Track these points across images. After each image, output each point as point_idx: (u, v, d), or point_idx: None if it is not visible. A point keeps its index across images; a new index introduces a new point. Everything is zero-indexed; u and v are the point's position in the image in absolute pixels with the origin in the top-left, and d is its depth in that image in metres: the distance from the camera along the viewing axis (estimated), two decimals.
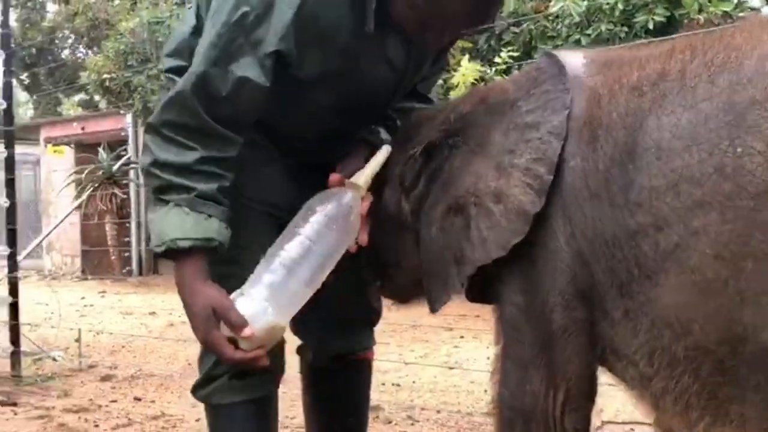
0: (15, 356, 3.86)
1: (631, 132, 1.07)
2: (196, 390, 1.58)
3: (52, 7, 15.48)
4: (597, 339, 1.14)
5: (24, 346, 3.93)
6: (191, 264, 1.37)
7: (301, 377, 1.86)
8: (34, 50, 15.13)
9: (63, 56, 15.85)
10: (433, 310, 1.37)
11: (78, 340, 4.22)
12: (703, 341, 1.00)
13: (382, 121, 1.65)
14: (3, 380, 3.76)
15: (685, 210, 0.99)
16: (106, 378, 3.89)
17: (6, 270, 3.94)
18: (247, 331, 1.30)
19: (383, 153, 1.46)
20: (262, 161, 1.58)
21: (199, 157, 1.37)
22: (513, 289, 1.22)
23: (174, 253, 1.36)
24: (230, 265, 1.42)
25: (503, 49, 6.01)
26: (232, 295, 1.34)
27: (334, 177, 1.49)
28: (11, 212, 3.86)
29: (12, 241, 3.89)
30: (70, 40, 15.55)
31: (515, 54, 5.86)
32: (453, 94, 5.21)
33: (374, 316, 1.80)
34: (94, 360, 4.24)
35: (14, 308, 3.87)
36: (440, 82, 6.43)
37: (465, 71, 5.51)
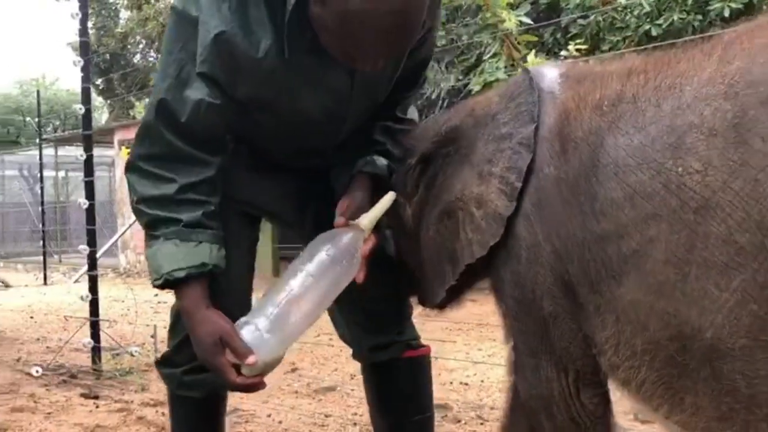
0: (95, 351, 4.02)
1: (594, 149, 1.18)
2: (158, 364, 1.73)
3: (124, 14, 16.04)
4: (580, 327, 1.24)
5: (103, 342, 4.09)
6: (191, 292, 1.46)
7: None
8: (107, 56, 15.72)
9: (135, 61, 16.41)
10: (431, 304, 1.54)
11: (153, 336, 4.35)
12: (657, 337, 1.10)
13: (372, 147, 1.68)
14: (84, 374, 3.92)
15: (640, 220, 1.10)
16: None
17: (86, 268, 4.10)
18: (251, 359, 1.37)
19: (389, 198, 1.55)
20: (244, 165, 1.64)
21: (178, 187, 1.45)
22: (508, 283, 1.33)
23: (172, 284, 1.45)
24: None
25: (570, 42, 5.89)
26: (237, 324, 1.41)
27: (339, 220, 1.54)
28: (90, 213, 4.02)
29: (92, 240, 4.04)
30: (141, 45, 16.09)
31: (583, 47, 5.74)
32: None
33: (405, 313, 1.84)
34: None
35: (94, 305, 4.02)
36: (505, 76, 6.38)
37: (532, 66, 5.42)
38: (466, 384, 3.52)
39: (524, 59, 5.50)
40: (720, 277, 1.00)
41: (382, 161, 1.66)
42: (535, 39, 5.99)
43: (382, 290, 1.71)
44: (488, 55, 6.10)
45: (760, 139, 0.98)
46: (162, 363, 1.72)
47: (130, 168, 1.50)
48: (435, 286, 1.49)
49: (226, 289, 1.54)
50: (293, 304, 1.42)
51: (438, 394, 1.88)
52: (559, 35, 6.29)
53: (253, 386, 1.43)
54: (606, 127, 1.18)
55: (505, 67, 6.40)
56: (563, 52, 5.70)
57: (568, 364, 1.26)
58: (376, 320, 1.80)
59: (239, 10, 1.40)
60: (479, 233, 1.33)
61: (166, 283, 1.45)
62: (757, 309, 0.97)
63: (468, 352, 4.27)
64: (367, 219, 1.53)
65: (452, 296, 1.52)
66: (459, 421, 2.87)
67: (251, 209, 1.69)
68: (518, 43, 5.72)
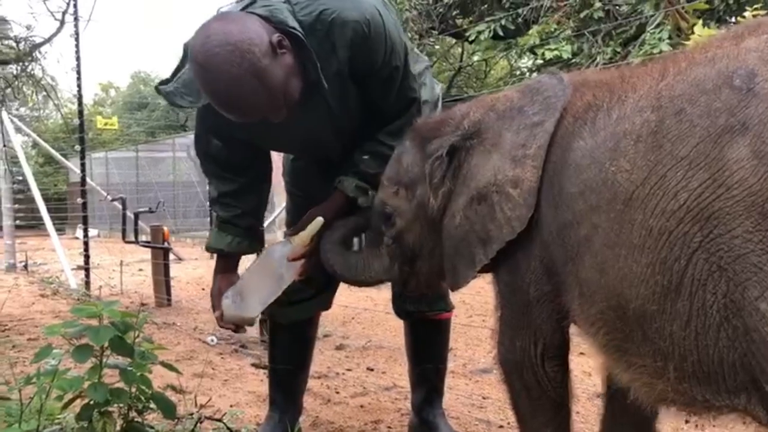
0: (263, 323, 4.27)
1: (564, 150, 1.43)
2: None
3: None
4: (563, 304, 1.47)
5: None
6: (217, 262, 2.19)
7: None
8: None
9: None
10: (458, 286, 1.72)
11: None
12: (602, 308, 1.32)
13: (352, 167, 2.04)
14: (253, 345, 4.20)
15: (588, 210, 1.32)
16: (340, 347, 4.18)
17: None
18: (216, 314, 2.08)
19: (317, 223, 1.98)
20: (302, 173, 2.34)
21: (217, 194, 2.16)
22: (502, 269, 1.60)
23: (211, 252, 2.21)
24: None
25: (747, 8, 5.41)
26: (229, 289, 2.05)
27: (287, 232, 2.13)
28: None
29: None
30: None
31: (761, 12, 5.25)
32: None
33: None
34: (328, 330, 4.56)
35: None
36: (669, 48, 5.98)
37: (700, 37, 5.04)
38: None
39: (693, 28, 5.12)
40: (639, 255, 1.23)
41: (351, 183, 2.02)
42: (707, 7, 5.56)
43: None
44: (652, 26, 5.74)
45: (670, 143, 1.21)
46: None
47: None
48: (462, 269, 1.65)
49: None
50: (243, 287, 2.03)
51: None
52: (732, 1, 5.79)
53: (224, 327, 2.12)
54: (573, 131, 1.43)
55: (670, 37, 6.01)
56: (734, 19, 5.24)
57: (539, 338, 1.55)
58: (405, 295, 2.35)
59: None
60: (518, 209, 1.50)
61: (207, 250, 2.24)
62: (660, 278, 1.21)
63: None
64: (299, 238, 1.99)
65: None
66: None
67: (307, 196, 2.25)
68: (686, 12, 5.33)
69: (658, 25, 6.00)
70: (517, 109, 1.60)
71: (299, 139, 2.06)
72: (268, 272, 2.03)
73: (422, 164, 1.73)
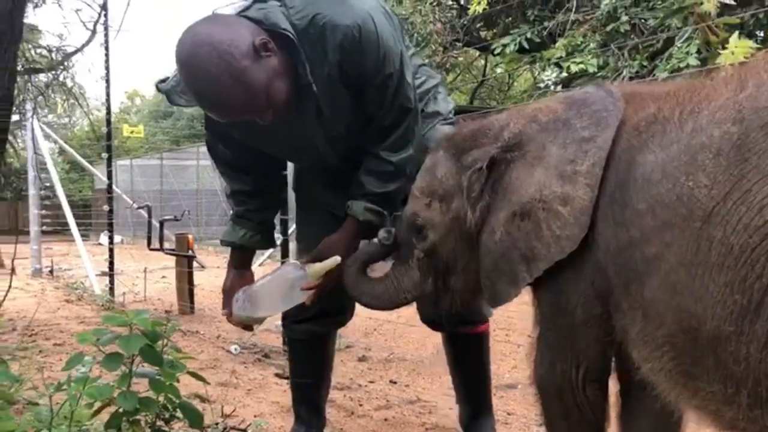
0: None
1: (628, 165, 1.37)
2: (284, 326, 2.49)
3: None
4: (613, 327, 1.42)
5: None
6: (231, 255, 2.24)
7: None
8: None
9: None
10: (497, 304, 1.68)
11: None
12: (673, 330, 1.25)
13: (358, 189, 2.04)
14: (276, 354, 4.20)
15: (658, 227, 1.26)
16: (362, 359, 4.16)
17: (270, 252, 4.34)
18: (225, 312, 2.13)
19: (334, 262, 1.97)
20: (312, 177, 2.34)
21: (231, 190, 2.24)
22: (546, 287, 1.53)
23: (225, 245, 2.27)
24: (299, 231, 2.44)
25: None
26: (241, 291, 2.07)
27: (304, 258, 2.11)
28: (284, 204, 4.28)
29: (284, 229, 4.31)
30: None
31: None
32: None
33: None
34: (350, 341, 4.54)
35: None
36: (697, 63, 5.93)
37: (735, 49, 4.98)
38: None
39: (723, 44, 5.06)
40: (717, 274, 1.16)
41: (360, 206, 2.02)
42: (737, 21, 5.50)
43: None
44: (681, 40, 5.69)
45: (756, 157, 1.14)
46: (282, 319, 2.44)
47: None
48: (504, 286, 1.59)
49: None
50: (255, 294, 2.05)
51: None
52: (762, 15, 5.73)
53: (232, 323, 2.14)
54: (638, 145, 1.36)
55: (698, 52, 5.95)
56: (762, 33, 5.18)
57: (582, 362, 1.51)
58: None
59: None
60: (569, 228, 1.44)
61: (221, 243, 2.30)
62: (739, 298, 1.14)
63: None
64: (314, 270, 2.00)
65: None
66: None
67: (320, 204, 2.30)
68: (716, 26, 5.27)
69: (686, 39, 5.95)
70: (562, 121, 1.54)
71: (292, 142, 2.07)
72: (280, 288, 2.07)
73: (458, 176, 1.68)
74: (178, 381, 1.97)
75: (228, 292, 2.14)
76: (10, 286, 1.88)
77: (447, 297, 1.82)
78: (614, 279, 1.37)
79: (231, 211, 2.30)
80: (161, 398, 1.95)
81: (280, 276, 2.09)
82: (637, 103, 1.45)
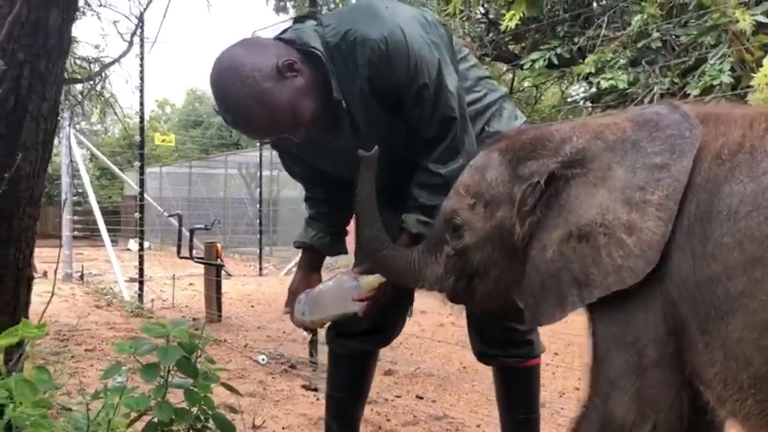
0: (312, 344, 4.32)
1: (711, 196, 1.28)
2: (329, 339, 2.38)
3: None
4: (684, 366, 1.31)
5: (319, 335, 4.37)
6: (302, 255, 2.30)
7: None
8: None
9: None
10: (538, 324, 1.63)
11: None
12: (761, 372, 1.18)
13: (410, 202, 2.03)
14: (303, 365, 4.23)
15: (748, 263, 1.19)
16: (388, 373, 4.17)
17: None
18: (286, 311, 2.18)
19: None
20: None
21: (305, 197, 2.32)
22: (609, 317, 1.39)
23: (297, 246, 2.30)
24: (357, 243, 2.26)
25: None
26: (304, 293, 2.14)
27: (359, 268, 2.07)
28: None
29: None
30: None
31: None
32: (753, 98, 4.70)
33: (516, 334, 2.23)
34: None
35: None
36: (729, 80, 5.87)
37: None
38: None
39: (758, 63, 5.01)
40: None
41: (413, 218, 1.99)
42: None
43: (487, 318, 2.18)
44: (715, 58, 5.64)
45: None
46: (327, 331, 2.40)
47: None
48: (549, 306, 1.50)
49: None
50: (313, 299, 2.11)
51: None
52: None
53: (294, 324, 2.18)
54: (723, 175, 1.28)
55: (732, 69, 5.89)
56: None
57: (650, 412, 1.33)
58: (482, 336, 2.29)
59: None
60: (632, 260, 1.34)
61: (294, 245, 2.32)
62: None
63: None
64: (367, 282, 2.01)
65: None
66: None
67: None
68: (751, 44, 5.23)
69: (720, 57, 5.90)
70: (631, 142, 1.43)
71: (334, 157, 2.10)
72: (334, 296, 2.10)
73: (510, 185, 1.57)
74: (211, 392, 2.00)
75: (293, 293, 2.19)
76: (52, 294, 1.92)
77: (465, 297, 1.75)
78: (688, 315, 1.29)
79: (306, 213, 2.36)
80: (195, 409, 1.98)
81: (336, 284, 2.12)
82: (716, 128, 1.37)
